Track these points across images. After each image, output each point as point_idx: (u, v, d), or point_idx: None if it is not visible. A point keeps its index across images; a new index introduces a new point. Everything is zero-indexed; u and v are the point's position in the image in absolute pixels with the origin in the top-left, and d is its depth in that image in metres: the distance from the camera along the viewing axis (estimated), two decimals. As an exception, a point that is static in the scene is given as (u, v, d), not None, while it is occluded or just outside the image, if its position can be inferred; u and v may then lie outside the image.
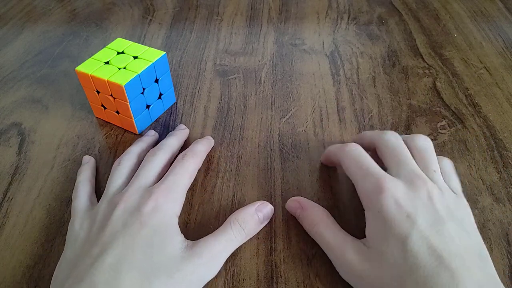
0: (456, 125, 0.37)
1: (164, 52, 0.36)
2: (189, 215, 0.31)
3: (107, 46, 0.37)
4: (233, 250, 0.28)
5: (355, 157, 0.28)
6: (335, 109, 0.39)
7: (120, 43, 0.37)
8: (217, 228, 0.29)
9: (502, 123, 0.37)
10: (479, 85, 0.41)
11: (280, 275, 0.28)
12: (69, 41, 0.49)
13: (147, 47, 0.37)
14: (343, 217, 0.30)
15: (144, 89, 0.35)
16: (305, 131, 0.37)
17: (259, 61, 0.45)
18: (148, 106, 0.37)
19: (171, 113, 0.40)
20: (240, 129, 0.38)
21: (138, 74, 0.33)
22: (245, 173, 0.34)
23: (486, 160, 0.34)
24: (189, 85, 0.43)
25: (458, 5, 0.53)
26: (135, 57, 0.35)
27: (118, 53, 0.36)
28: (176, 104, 0.41)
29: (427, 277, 0.21)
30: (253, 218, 0.29)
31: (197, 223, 0.31)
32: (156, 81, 0.36)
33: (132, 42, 0.37)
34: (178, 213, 0.28)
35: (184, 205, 0.32)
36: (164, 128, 0.38)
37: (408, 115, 0.38)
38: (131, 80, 0.33)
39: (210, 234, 0.27)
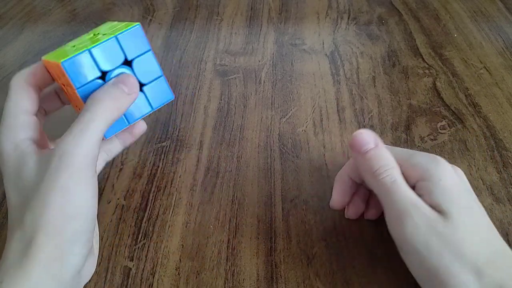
0: (456, 125, 0.37)
1: (138, 23, 0.27)
2: (189, 215, 0.31)
3: (91, 31, 0.30)
4: (101, 130, 0.24)
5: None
6: (335, 109, 0.39)
7: (107, 25, 0.29)
8: (217, 228, 0.29)
9: (502, 123, 0.37)
10: (479, 85, 0.41)
11: (280, 275, 0.28)
12: (69, 41, 0.49)
13: (127, 22, 0.28)
14: (343, 217, 0.30)
15: (103, 73, 0.26)
16: (305, 131, 0.37)
17: (259, 61, 0.45)
18: None
19: (171, 112, 0.40)
20: (240, 129, 0.38)
21: (88, 49, 0.25)
22: (245, 173, 0.34)
23: (486, 160, 0.34)
24: (189, 85, 0.43)
25: (458, 5, 0.53)
26: (103, 35, 0.27)
27: (94, 35, 0.28)
28: (176, 103, 0.40)
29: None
30: (112, 89, 0.25)
31: (197, 223, 0.31)
32: (128, 63, 0.27)
33: (123, 22, 0.28)
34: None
35: (184, 205, 0.32)
36: (164, 129, 0.38)
37: (408, 115, 0.38)
38: (73, 56, 0.24)
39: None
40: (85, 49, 0.25)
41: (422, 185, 0.24)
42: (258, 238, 0.30)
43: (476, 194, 0.32)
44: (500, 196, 0.32)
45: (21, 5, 0.56)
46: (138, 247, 0.30)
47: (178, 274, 0.28)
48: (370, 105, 0.40)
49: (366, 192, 0.30)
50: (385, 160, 0.25)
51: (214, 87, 0.42)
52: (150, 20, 0.52)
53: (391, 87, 0.42)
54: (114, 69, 0.26)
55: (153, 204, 0.32)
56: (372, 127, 0.37)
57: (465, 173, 0.33)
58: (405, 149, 0.27)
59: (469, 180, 0.33)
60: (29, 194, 0.23)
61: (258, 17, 0.52)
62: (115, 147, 0.31)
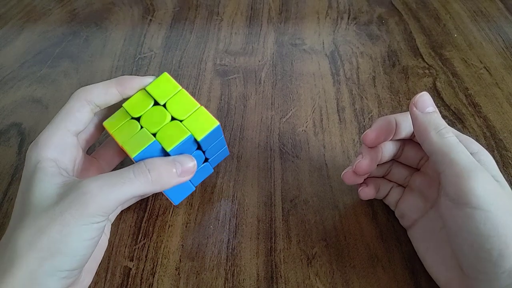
0: (456, 125, 0.37)
1: (218, 123, 0.27)
2: (189, 215, 0.31)
3: (149, 85, 0.28)
4: (130, 194, 0.24)
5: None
6: (335, 109, 0.39)
7: (164, 84, 0.28)
8: (217, 228, 0.29)
9: (502, 123, 0.37)
10: (479, 85, 0.41)
11: (280, 275, 0.28)
12: (69, 41, 0.49)
13: (198, 106, 0.27)
14: (343, 217, 0.30)
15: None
16: (305, 131, 0.37)
17: (259, 61, 0.45)
18: None
19: (171, 113, 0.40)
20: (240, 129, 0.38)
21: (167, 151, 0.26)
22: (245, 173, 0.34)
23: (486, 160, 0.34)
24: (189, 85, 0.43)
25: (458, 5, 0.53)
26: (174, 119, 0.27)
27: (156, 103, 0.27)
28: None
29: None
30: (167, 165, 0.25)
31: (197, 223, 0.31)
32: (200, 149, 0.28)
33: (179, 87, 0.28)
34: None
35: (184, 205, 0.32)
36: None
37: (408, 115, 0.38)
38: (143, 150, 0.25)
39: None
40: (153, 140, 0.25)
41: (477, 157, 0.24)
42: (258, 238, 0.30)
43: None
44: (500, 196, 0.32)
45: (21, 5, 0.56)
46: (138, 247, 0.30)
47: (178, 274, 0.28)
48: (370, 105, 0.40)
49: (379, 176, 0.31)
50: (446, 124, 0.25)
51: (214, 87, 0.42)
52: (150, 20, 0.52)
53: (391, 87, 0.42)
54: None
55: (153, 204, 0.32)
56: (372, 127, 0.37)
57: (465, 173, 0.33)
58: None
59: (469, 180, 0.33)
60: (30, 214, 0.22)
61: (258, 17, 0.52)
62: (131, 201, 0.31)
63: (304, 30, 0.50)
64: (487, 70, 0.43)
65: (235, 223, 0.31)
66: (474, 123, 0.37)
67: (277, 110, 0.39)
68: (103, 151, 0.31)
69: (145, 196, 0.32)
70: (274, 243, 0.29)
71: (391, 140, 0.28)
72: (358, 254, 0.29)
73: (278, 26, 0.51)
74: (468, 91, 0.41)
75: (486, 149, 0.35)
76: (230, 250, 0.29)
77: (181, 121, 0.26)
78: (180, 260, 0.29)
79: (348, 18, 0.52)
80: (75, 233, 0.22)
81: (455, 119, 0.38)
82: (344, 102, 0.40)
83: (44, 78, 0.44)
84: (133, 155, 0.25)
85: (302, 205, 0.32)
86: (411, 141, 0.29)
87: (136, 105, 0.27)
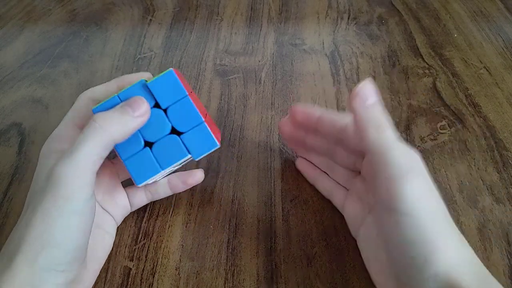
0: (456, 125, 0.37)
1: (170, 68, 0.26)
2: (189, 215, 0.31)
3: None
4: (92, 155, 0.23)
5: None
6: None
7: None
8: (217, 228, 0.29)
9: (502, 123, 0.37)
10: (479, 85, 0.41)
11: (280, 275, 0.28)
12: (69, 41, 0.49)
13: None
14: (343, 217, 0.30)
15: None
16: (305, 131, 0.37)
17: (259, 61, 0.45)
18: (149, 145, 0.27)
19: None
20: (240, 129, 0.38)
21: (117, 95, 0.26)
22: (245, 173, 0.34)
23: (486, 160, 0.34)
24: (189, 85, 0.43)
25: (458, 5, 0.53)
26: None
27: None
28: None
29: None
30: (113, 110, 0.24)
31: (197, 223, 0.31)
32: (161, 109, 0.26)
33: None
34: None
35: (184, 205, 0.32)
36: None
37: (408, 115, 0.38)
38: (103, 103, 0.25)
39: None
40: (114, 95, 0.25)
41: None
42: (258, 238, 0.30)
43: (476, 194, 0.32)
44: (500, 196, 0.32)
45: (21, 5, 0.56)
46: (138, 247, 0.30)
47: (178, 274, 0.28)
48: (370, 105, 0.40)
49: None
50: (387, 118, 0.24)
51: (214, 87, 0.42)
52: (150, 20, 0.52)
53: (391, 87, 0.42)
54: None
55: (153, 204, 0.32)
56: (372, 127, 0.37)
57: (465, 173, 0.33)
58: None
59: (469, 180, 0.33)
60: (28, 207, 0.22)
61: (258, 17, 0.52)
62: (162, 190, 0.30)
63: (304, 30, 0.50)
64: (487, 70, 0.43)
65: (235, 223, 0.31)
66: (474, 123, 0.37)
67: (277, 110, 0.39)
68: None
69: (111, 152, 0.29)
70: (274, 243, 0.29)
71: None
72: (358, 254, 0.29)
73: (278, 26, 0.51)
74: (468, 91, 0.41)
75: (486, 149, 0.35)
76: (230, 250, 0.29)
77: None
78: (180, 260, 0.29)
79: (348, 18, 0.52)
80: (58, 221, 0.21)
81: (455, 119, 0.38)
82: (344, 102, 0.40)
83: (44, 78, 0.44)
84: (93, 108, 0.25)
85: (302, 205, 0.32)
86: (342, 143, 0.28)
87: None
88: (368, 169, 0.27)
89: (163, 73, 0.26)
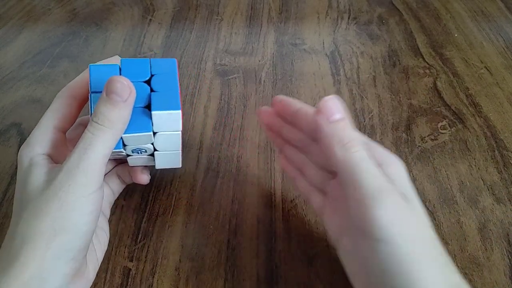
0: (456, 125, 0.37)
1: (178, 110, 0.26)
2: (189, 215, 0.31)
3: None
4: (103, 150, 0.23)
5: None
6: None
7: None
8: (217, 228, 0.28)
9: (503, 123, 0.37)
10: (479, 85, 0.41)
11: (280, 276, 0.28)
12: (69, 41, 0.49)
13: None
14: (343, 217, 0.30)
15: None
16: (305, 131, 0.37)
17: (259, 61, 0.45)
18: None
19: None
20: (240, 129, 0.38)
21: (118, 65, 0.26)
22: (245, 173, 0.34)
23: (487, 160, 0.34)
24: (189, 85, 0.43)
25: (459, 5, 0.53)
26: None
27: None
28: None
29: None
30: (105, 102, 0.23)
31: (197, 223, 0.31)
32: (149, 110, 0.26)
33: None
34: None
35: (184, 205, 0.32)
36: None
37: (408, 115, 0.38)
38: (103, 65, 0.26)
39: None
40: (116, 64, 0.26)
41: (387, 171, 0.22)
42: (258, 238, 0.30)
43: (477, 194, 0.32)
44: (501, 196, 0.32)
45: (21, 5, 0.56)
46: (138, 248, 0.30)
47: (178, 274, 0.28)
48: (371, 105, 0.40)
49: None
50: (355, 135, 0.22)
51: (214, 87, 0.42)
52: (150, 20, 0.52)
53: (392, 87, 0.41)
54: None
55: (153, 204, 0.32)
56: (372, 127, 0.37)
57: (465, 173, 0.33)
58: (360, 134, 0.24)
59: (469, 180, 0.33)
60: (29, 204, 0.23)
61: (258, 17, 0.52)
62: (117, 186, 0.31)
63: (304, 30, 0.50)
64: (488, 70, 0.43)
65: (235, 223, 0.31)
66: (474, 123, 0.37)
67: (277, 110, 0.39)
68: None
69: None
70: (274, 244, 0.29)
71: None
72: (358, 254, 0.29)
73: (278, 26, 0.51)
74: (469, 91, 0.41)
75: (486, 149, 0.35)
76: (230, 250, 0.29)
77: None
78: (180, 260, 0.29)
79: (348, 18, 0.52)
80: (75, 206, 0.22)
81: (455, 119, 0.38)
82: (345, 102, 0.40)
83: (43, 78, 0.44)
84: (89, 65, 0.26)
85: (302, 205, 0.32)
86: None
87: None
88: (338, 188, 0.25)
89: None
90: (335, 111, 0.22)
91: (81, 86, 0.27)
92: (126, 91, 0.24)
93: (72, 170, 0.22)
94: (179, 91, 0.27)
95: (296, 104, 0.27)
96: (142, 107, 0.26)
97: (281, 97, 0.28)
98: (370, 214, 0.20)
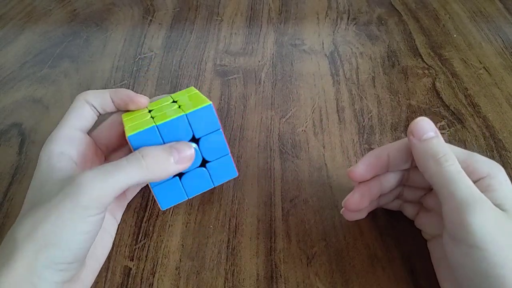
0: (455, 125, 0.37)
1: (210, 102, 0.26)
2: (189, 215, 0.31)
3: (172, 94, 0.30)
4: (125, 182, 0.23)
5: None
6: (334, 109, 0.39)
7: (188, 92, 0.30)
8: (217, 228, 0.29)
9: (502, 123, 0.37)
10: (478, 85, 0.42)
11: (280, 275, 0.28)
12: (69, 42, 0.49)
13: (201, 96, 0.28)
14: (343, 217, 0.30)
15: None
16: (305, 131, 0.37)
17: (259, 61, 0.45)
18: (179, 175, 0.28)
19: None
20: (240, 129, 0.38)
21: (156, 126, 0.25)
22: (245, 173, 0.34)
23: (486, 160, 0.34)
24: (189, 85, 0.43)
25: (458, 6, 0.53)
26: (179, 106, 0.28)
27: (173, 101, 0.29)
28: None
29: None
30: (162, 151, 0.25)
31: (197, 223, 0.31)
32: (195, 140, 0.27)
33: (199, 92, 0.29)
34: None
35: (184, 205, 0.32)
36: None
37: (407, 115, 0.39)
38: (140, 132, 0.25)
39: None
40: (152, 124, 0.25)
41: (485, 182, 0.23)
42: (258, 238, 0.30)
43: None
44: (499, 196, 0.32)
45: (22, 5, 0.56)
46: (138, 247, 0.30)
47: (178, 274, 0.28)
48: (370, 105, 0.40)
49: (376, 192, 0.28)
50: (447, 150, 0.24)
51: (214, 87, 0.42)
52: (150, 20, 0.53)
53: (391, 87, 0.42)
54: None
55: (153, 204, 0.32)
56: (371, 127, 0.37)
57: (464, 173, 0.33)
58: (460, 148, 0.26)
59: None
60: (34, 207, 0.23)
61: (258, 17, 0.53)
62: (132, 190, 0.32)
63: (303, 30, 0.50)
64: (487, 70, 0.43)
65: (235, 223, 0.31)
66: (473, 123, 0.38)
67: (277, 110, 0.40)
68: (117, 154, 0.31)
69: (144, 185, 0.32)
70: (274, 243, 0.29)
71: (390, 171, 0.27)
72: (357, 254, 0.29)
73: (278, 27, 0.51)
74: (468, 91, 0.41)
75: (485, 149, 0.35)
76: (230, 250, 0.29)
77: (176, 102, 0.28)
78: (180, 260, 0.29)
79: (348, 19, 0.52)
80: (68, 225, 0.22)
81: (454, 119, 0.38)
82: (344, 102, 0.40)
83: (44, 78, 0.44)
84: (127, 134, 0.25)
85: (302, 205, 0.32)
86: (415, 167, 0.27)
87: (154, 104, 0.29)
88: (431, 201, 0.27)
89: (201, 106, 0.26)
90: (427, 129, 0.24)
91: (94, 96, 0.28)
92: (186, 158, 0.25)
93: (82, 189, 0.22)
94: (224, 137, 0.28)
95: (381, 152, 0.27)
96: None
97: (357, 167, 0.27)
98: (465, 222, 0.21)
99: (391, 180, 0.28)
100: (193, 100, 0.28)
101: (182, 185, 0.28)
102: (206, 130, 0.27)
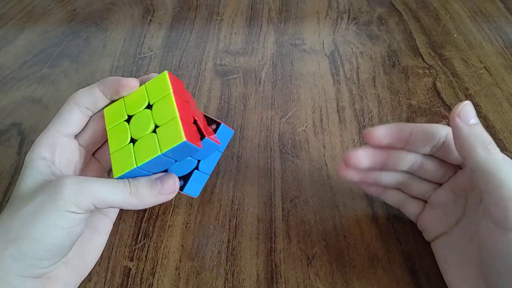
0: (456, 125, 0.37)
1: (184, 139, 0.24)
2: (189, 215, 0.31)
3: (148, 82, 0.28)
4: (105, 195, 0.23)
5: None
6: (335, 109, 0.39)
7: (161, 83, 0.27)
8: (217, 228, 0.28)
9: (502, 123, 0.37)
10: (479, 85, 0.41)
11: (280, 275, 0.28)
12: (69, 41, 0.49)
13: (175, 116, 0.25)
14: (343, 217, 0.30)
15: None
16: (305, 131, 0.37)
17: (259, 61, 0.45)
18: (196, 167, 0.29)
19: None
20: (240, 129, 0.38)
21: (137, 167, 0.25)
22: (245, 173, 0.34)
23: (486, 160, 0.34)
24: (189, 85, 0.43)
25: (458, 5, 0.53)
26: (156, 126, 0.26)
27: (148, 105, 0.27)
28: None
29: None
30: (148, 181, 0.26)
31: (197, 223, 0.31)
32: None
33: (170, 90, 0.26)
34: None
35: (184, 205, 0.32)
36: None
37: (408, 115, 0.38)
38: (126, 173, 0.25)
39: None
40: (134, 166, 0.25)
41: None
42: (258, 238, 0.30)
43: (476, 194, 0.32)
44: (500, 196, 0.32)
45: (21, 5, 0.56)
46: (138, 247, 0.30)
47: (178, 274, 0.28)
48: (370, 105, 0.40)
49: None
50: (491, 139, 0.23)
51: (214, 87, 0.42)
52: (150, 20, 0.52)
53: (391, 87, 0.42)
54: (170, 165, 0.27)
55: (153, 204, 0.32)
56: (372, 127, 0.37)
57: (465, 173, 0.33)
58: None
59: (469, 180, 0.33)
60: (16, 200, 0.23)
61: (258, 17, 0.52)
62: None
63: (304, 30, 0.50)
64: (487, 70, 0.43)
65: (235, 223, 0.31)
66: (474, 123, 0.37)
67: (277, 110, 0.39)
68: (104, 153, 0.30)
69: (126, 209, 0.29)
70: (274, 243, 0.29)
71: (405, 150, 0.26)
72: (358, 254, 0.29)
73: (278, 26, 0.51)
74: (468, 91, 0.41)
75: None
76: (230, 250, 0.29)
77: (156, 127, 0.26)
78: (180, 260, 0.29)
79: (348, 18, 0.52)
80: (45, 216, 0.22)
81: (455, 119, 0.38)
82: (344, 102, 0.40)
83: (44, 78, 0.44)
84: (115, 176, 0.25)
85: (302, 205, 0.32)
86: (431, 156, 0.27)
87: (132, 101, 0.27)
88: (468, 184, 0.26)
89: (177, 144, 0.24)
90: (472, 116, 0.24)
91: (83, 95, 0.27)
92: (169, 190, 0.26)
93: (63, 187, 0.22)
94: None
95: (405, 126, 0.26)
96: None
97: (380, 128, 0.26)
98: (509, 209, 0.21)
99: (402, 158, 0.27)
100: (165, 119, 0.25)
101: (202, 171, 0.30)
102: (187, 155, 0.27)
